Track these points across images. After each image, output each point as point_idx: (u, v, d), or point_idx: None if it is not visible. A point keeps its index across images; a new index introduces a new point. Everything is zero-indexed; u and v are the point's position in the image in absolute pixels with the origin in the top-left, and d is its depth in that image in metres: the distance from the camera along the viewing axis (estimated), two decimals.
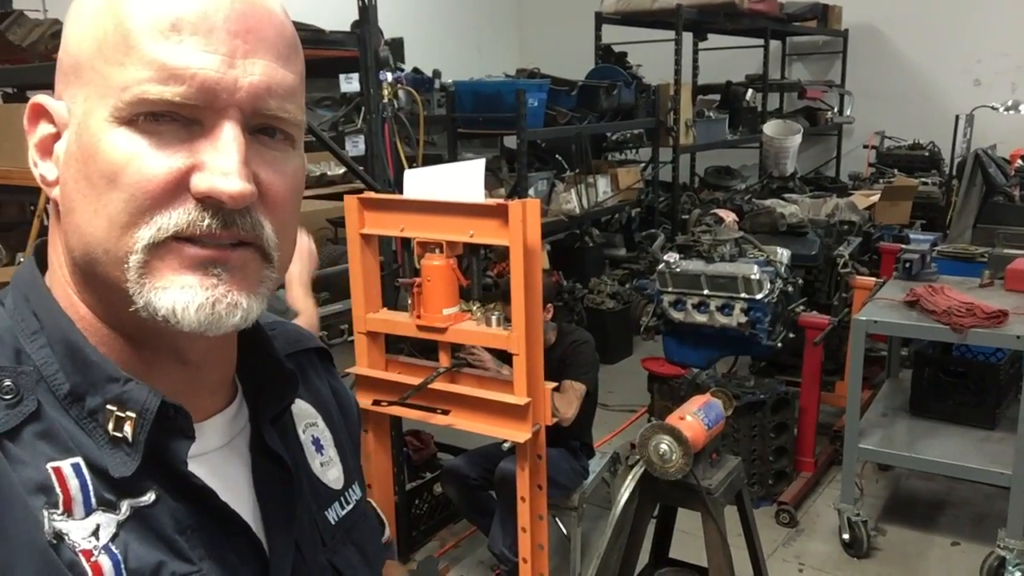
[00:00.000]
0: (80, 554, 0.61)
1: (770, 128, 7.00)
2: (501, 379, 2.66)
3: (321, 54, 3.28)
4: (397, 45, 6.97)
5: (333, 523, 0.82)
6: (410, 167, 3.39)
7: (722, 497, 2.25)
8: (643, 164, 6.98)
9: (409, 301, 2.69)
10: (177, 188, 0.62)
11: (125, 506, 0.64)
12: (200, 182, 0.62)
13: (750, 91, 7.82)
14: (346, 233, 2.76)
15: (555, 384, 2.62)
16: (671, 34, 6.50)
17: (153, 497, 0.65)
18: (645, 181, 6.74)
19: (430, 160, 6.48)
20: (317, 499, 0.81)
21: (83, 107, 0.64)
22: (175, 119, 0.62)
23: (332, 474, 0.85)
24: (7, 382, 0.62)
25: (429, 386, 2.67)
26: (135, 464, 0.64)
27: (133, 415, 0.64)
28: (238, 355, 0.77)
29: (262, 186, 0.65)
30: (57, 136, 0.66)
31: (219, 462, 0.73)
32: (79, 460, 0.63)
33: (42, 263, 0.71)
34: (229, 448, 0.75)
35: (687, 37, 6.95)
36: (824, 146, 8.74)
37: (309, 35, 3.19)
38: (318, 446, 0.84)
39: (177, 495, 0.67)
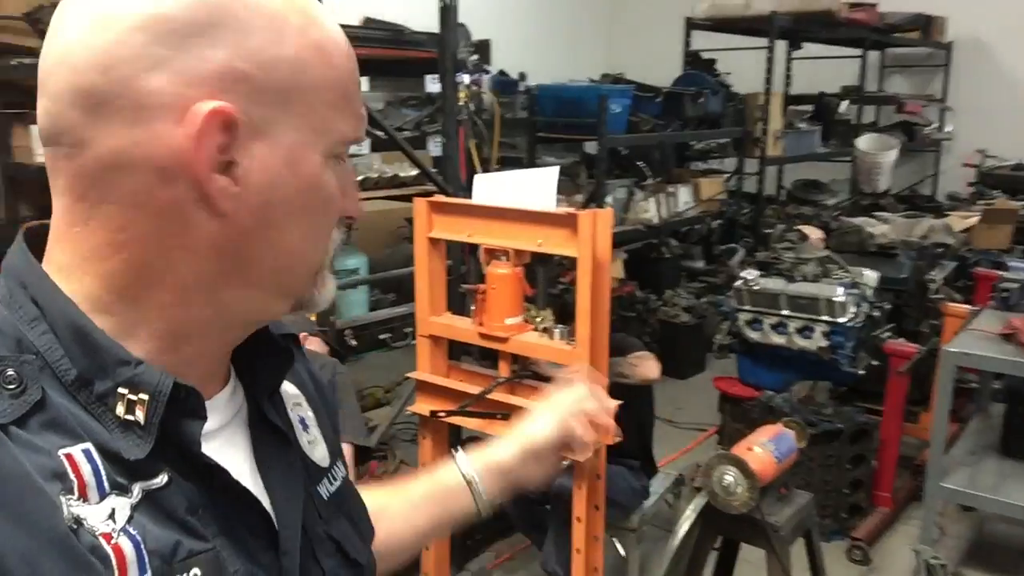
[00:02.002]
0: (100, 537, 0.61)
1: (864, 142, 6.73)
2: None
3: (401, 54, 3.26)
4: (484, 47, 6.97)
5: (326, 498, 0.85)
6: (485, 171, 3.35)
7: (789, 535, 2.12)
8: (727, 175, 6.79)
9: (472, 308, 2.63)
10: (342, 213, 0.76)
11: (137, 489, 0.64)
12: (351, 209, 0.76)
13: (844, 103, 7.53)
14: (413, 236, 2.72)
15: (619, 401, 2.51)
16: (763, 42, 6.30)
17: (165, 479, 0.66)
18: (728, 192, 6.56)
19: (511, 163, 6.48)
20: (309, 475, 0.84)
21: (293, 136, 0.67)
22: (341, 159, 0.74)
23: (318, 452, 0.87)
24: (10, 371, 0.61)
25: (488, 396, 2.60)
26: (148, 446, 0.64)
27: (146, 397, 0.64)
28: None
29: None
30: (229, 146, 0.64)
31: (222, 441, 0.75)
32: (89, 446, 0.62)
33: (36, 251, 0.69)
34: (230, 427, 0.77)
35: (780, 45, 6.74)
36: (920, 163, 8.36)
37: (389, 35, 3.17)
38: (304, 425, 0.88)
39: (187, 475, 0.67)
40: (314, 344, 2.71)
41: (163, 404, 0.64)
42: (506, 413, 2.51)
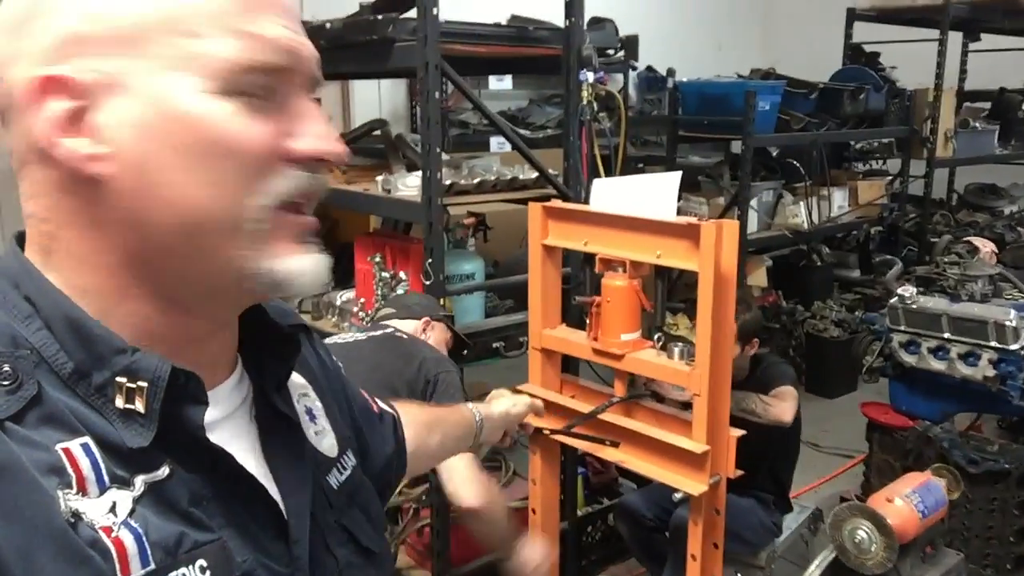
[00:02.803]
0: (100, 530, 0.60)
1: None
2: (681, 418, 2.37)
3: (527, 51, 3.12)
4: (631, 42, 6.75)
5: (336, 487, 0.85)
6: (608, 175, 3.17)
7: None
8: (890, 177, 6.27)
9: (587, 321, 2.46)
10: (273, 154, 0.66)
11: (139, 482, 0.64)
12: (305, 145, 0.66)
13: None
14: (528, 242, 2.58)
15: (742, 432, 2.29)
16: (935, 33, 5.77)
17: (167, 471, 0.65)
18: (891, 196, 6.05)
19: (655, 162, 6.24)
20: (317, 465, 0.84)
21: (149, 79, 0.63)
22: (258, 95, 0.65)
23: (326, 443, 0.87)
24: (5, 367, 0.61)
25: (600, 416, 2.43)
26: (151, 434, 0.64)
27: (144, 384, 0.64)
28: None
29: None
30: (83, 109, 0.63)
31: (227, 430, 0.74)
32: (88, 439, 0.62)
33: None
34: (235, 417, 0.76)
35: (954, 37, 6.16)
36: None
37: (513, 32, 3.04)
38: (311, 416, 0.87)
39: (191, 466, 0.67)
40: (438, 331, 2.58)
41: (162, 390, 0.64)
42: (615, 441, 2.33)
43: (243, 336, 0.79)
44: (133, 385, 0.64)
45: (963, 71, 7.08)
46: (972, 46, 7.07)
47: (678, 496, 2.29)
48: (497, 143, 3.06)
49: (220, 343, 0.75)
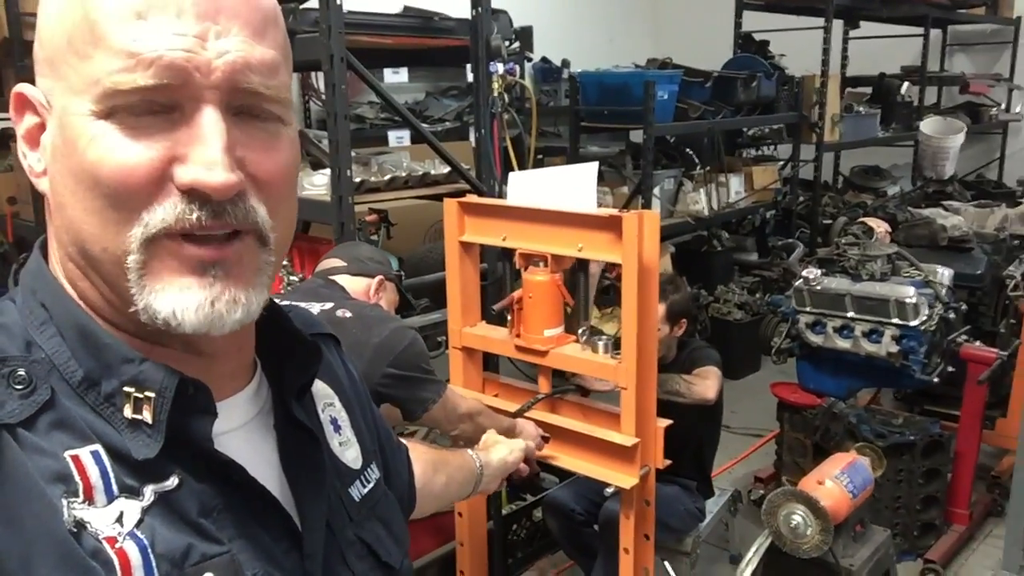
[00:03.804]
0: (104, 541, 0.60)
1: (928, 126, 6.36)
2: (609, 412, 2.35)
3: (433, 43, 3.04)
4: (526, 34, 6.73)
5: (357, 500, 0.83)
6: (522, 167, 3.12)
7: None
8: (782, 162, 6.46)
9: (508, 318, 2.41)
10: (161, 180, 0.62)
11: (148, 492, 0.63)
12: (183, 175, 0.62)
13: (906, 84, 7.13)
14: (444, 239, 2.51)
15: (668, 422, 2.28)
16: (819, 21, 5.97)
17: (176, 481, 0.64)
18: (783, 180, 6.23)
19: (554, 153, 6.24)
20: (339, 477, 0.82)
21: (61, 101, 0.63)
22: (153, 111, 0.62)
23: (350, 454, 0.86)
24: (20, 372, 0.61)
25: (525, 414, 2.39)
26: (158, 445, 0.63)
27: (152, 395, 0.63)
28: (256, 333, 0.76)
29: (250, 167, 0.65)
30: (42, 126, 0.66)
31: (242, 440, 0.73)
32: (98, 447, 0.62)
33: (47, 256, 0.71)
34: (252, 425, 0.75)
35: (837, 25, 6.39)
36: (986, 146, 7.92)
37: (419, 22, 2.96)
38: (336, 426, 0.86)
39: (202, 476, 0.66)
40: (389, 292, 2.31)
41: (169, 400, 0.64)
42: (546, 436, 2.29)
43: (266, 343, 0.78)
44: (141, 395, 0.64)
45: (844, 58, 7.35)
46: (852, 33, 7.35)
47: (610, 490, 2.27)
48: (395, 137, 2.98)
49: (230, 355, 0.73)
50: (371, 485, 0.86)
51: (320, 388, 0.85)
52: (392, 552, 0.85)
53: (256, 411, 0.76)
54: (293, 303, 0.88)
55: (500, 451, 1.54)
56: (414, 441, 1.21)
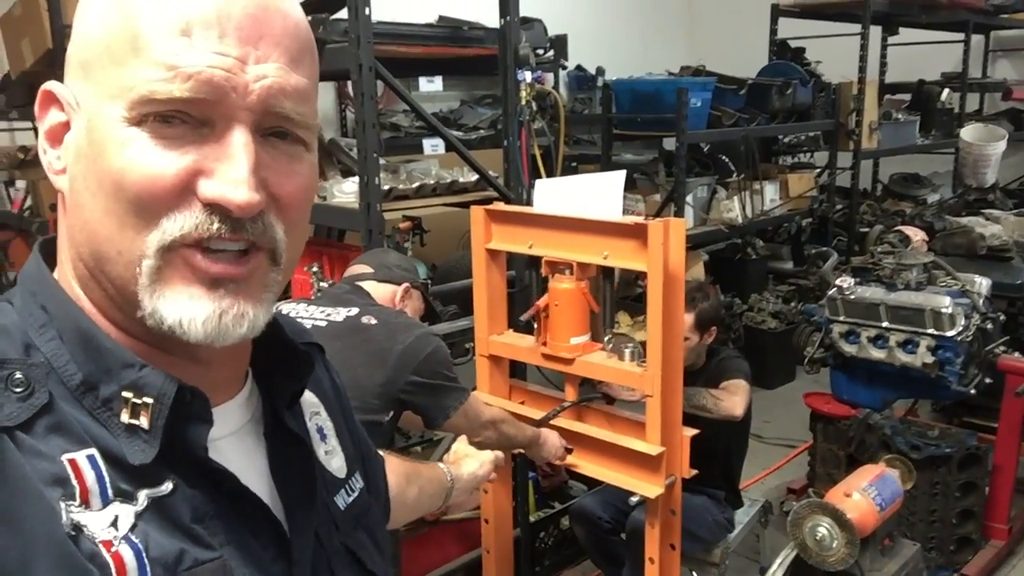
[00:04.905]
0: (100, 544, 0.60)
1: (969, 133, 6.24)
2: (634, 420, 2.34)
3: (462, 51, 3.06)
4: (561, 42, 6.75)
5: (343, 509, 0.84)
6: (550, 175, 3.12)
7: None
8: (818, 170, 6.39)
9: (535, 325, 2.41)
10: (184, 191, 0.63)
11: (142, 496, 0.64)
12: (208, 189, 0.63)
13: (946, 91, 7.01)
14: (471, 247, 2.52)
15: (695, 431, 2.27)
16: (856, 28, 5.90)
17: (170, 487, 0.65)
18: (820, 188, 6.15)
19: (588, 161, 6.23)
20: (325, 486, 0.83)
21: (93, 105, 0.64)
22: (185, 121, 0.63)
23: (335, 463, 0.87)
24: (18, 375, 0.62)
25: (551, 422, 2.39)
26: (153, 451, 0.64)
27: (150, 401, 0.64)
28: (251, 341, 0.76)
29: (272, 188, 0.66)
30: (67, 125, 0.67)
31: (233, 447, 0.74)
32: (94, 451, 0.63)
33: (50, 260, 0.71)
34: (242, 433, 0.76)
35: (875, 31, 6.30)
36: None
37: (448, 32, 2.98)
38: (322, 435, 0.87)
39: (194, 482, 0.67)
40: (415, 300, 2.27)
41: (167, 407, 0.64)
42: (569, 447, 2.29)
43: (258, 352, 0.78)
44: (139, 401, 0.64)
45: (883, 64, 7.25)
46: (891, 39, 7.25)
47: (635, 500, 2.26)
48: (431, 146, 2.99)
49: (227, 364, 0.74)
50: (355, 494, 0.87)
51: (307, 397, 0.85)
52: (377, 561, 0.85)
53: (247, 418, 0.77)
54: (281, 311, 0.88)
55: (470, 464, 1.54)
56: (387, 453, 1.21)
